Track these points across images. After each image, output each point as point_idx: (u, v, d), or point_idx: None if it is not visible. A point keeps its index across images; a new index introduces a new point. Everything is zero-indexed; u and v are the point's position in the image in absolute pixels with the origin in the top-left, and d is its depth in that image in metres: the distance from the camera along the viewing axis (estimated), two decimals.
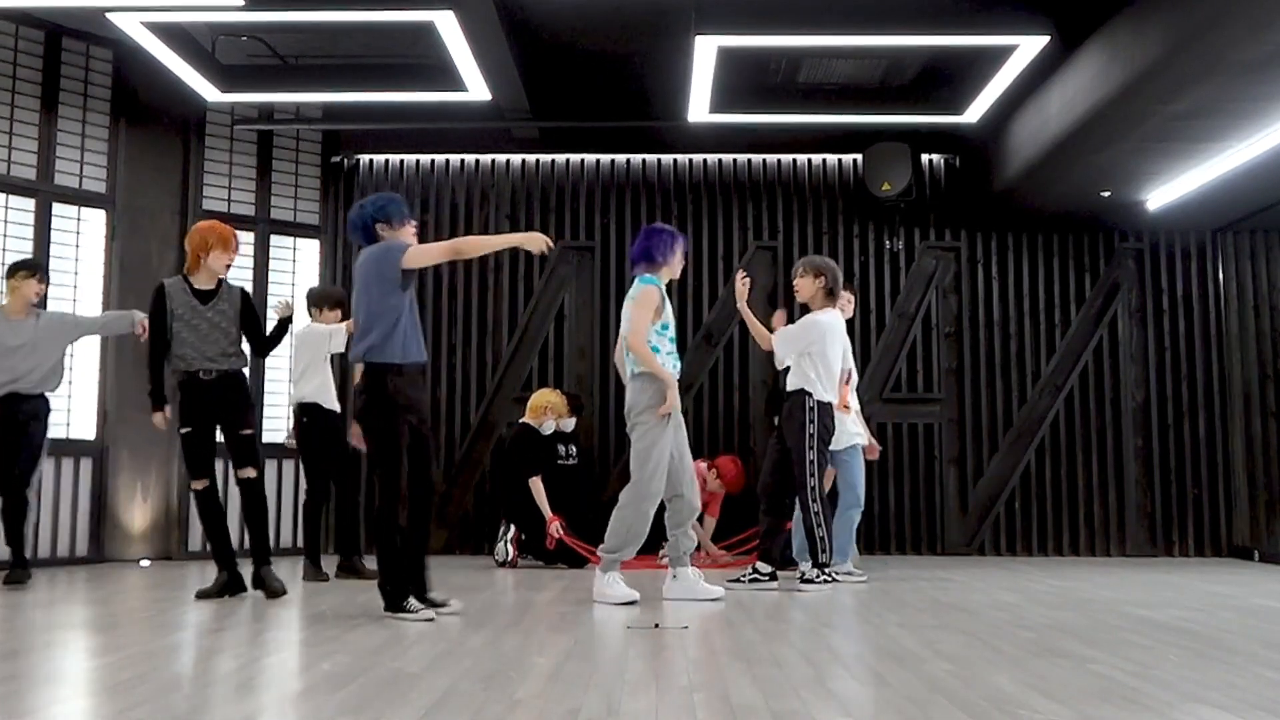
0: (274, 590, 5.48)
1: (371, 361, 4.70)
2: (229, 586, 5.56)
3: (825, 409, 6.07)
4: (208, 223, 5.75)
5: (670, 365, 5.50)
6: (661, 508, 5.52)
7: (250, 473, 5.62)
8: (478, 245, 4.96)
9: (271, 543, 8.02)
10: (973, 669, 3.52)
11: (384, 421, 4.69)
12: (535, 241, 4.80)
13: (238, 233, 5.78)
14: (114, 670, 3.52)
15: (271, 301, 7.76)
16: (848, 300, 6.92)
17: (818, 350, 6.08)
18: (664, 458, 5.38)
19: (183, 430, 5.57)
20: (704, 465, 7.74)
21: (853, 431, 6.66)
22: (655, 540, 7.88)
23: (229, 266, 5.66)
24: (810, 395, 6.03)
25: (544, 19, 6.97)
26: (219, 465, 5.84)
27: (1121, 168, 7.26)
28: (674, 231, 5.74)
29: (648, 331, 5.46)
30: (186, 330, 5.54)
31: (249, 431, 5.63)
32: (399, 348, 4.70)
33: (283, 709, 3.03)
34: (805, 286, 6.26)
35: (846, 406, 6.60)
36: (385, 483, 4.71)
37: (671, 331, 5.59)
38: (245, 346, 5.76)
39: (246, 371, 5.73)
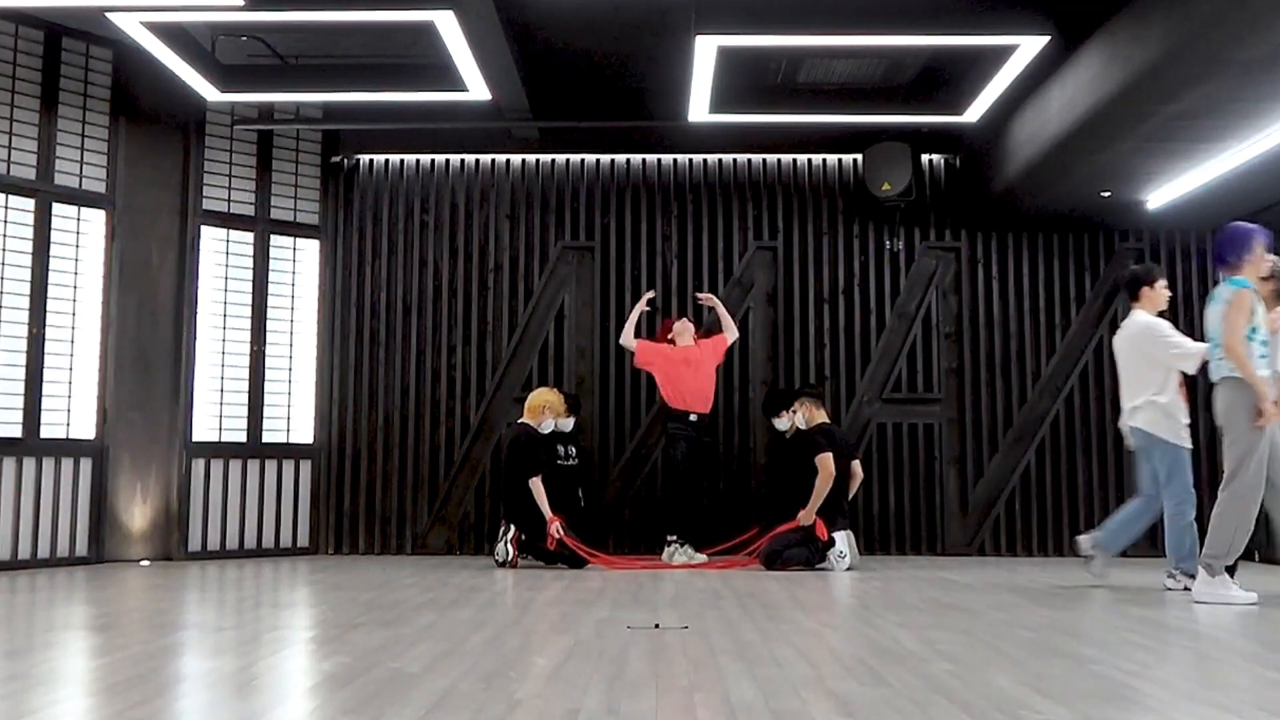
0: None
1: None
2: None
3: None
4: None
5: (1264, 371, 5.47)
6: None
7: None
8: None
9: (272, 542, 8.20)
10: (973, 669, 3.52)
11: None
12: None
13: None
14: (114, 670, 3.52)
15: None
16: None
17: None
18: (1262, 461, 5.43)
19: None
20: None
21: (1186, 424, 6.24)
22: (655, 540, 7.95)
23: None
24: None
25: (544, 19, 6.97)
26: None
27: (1121, 168, 7.26)
28: (1246, 229, 5.64)
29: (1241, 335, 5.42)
30: None
31: None
32: None
33: (283, 709, 3.03)
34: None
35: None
36: None
37: (1262, 334, 5.52)
38: None
39: None
